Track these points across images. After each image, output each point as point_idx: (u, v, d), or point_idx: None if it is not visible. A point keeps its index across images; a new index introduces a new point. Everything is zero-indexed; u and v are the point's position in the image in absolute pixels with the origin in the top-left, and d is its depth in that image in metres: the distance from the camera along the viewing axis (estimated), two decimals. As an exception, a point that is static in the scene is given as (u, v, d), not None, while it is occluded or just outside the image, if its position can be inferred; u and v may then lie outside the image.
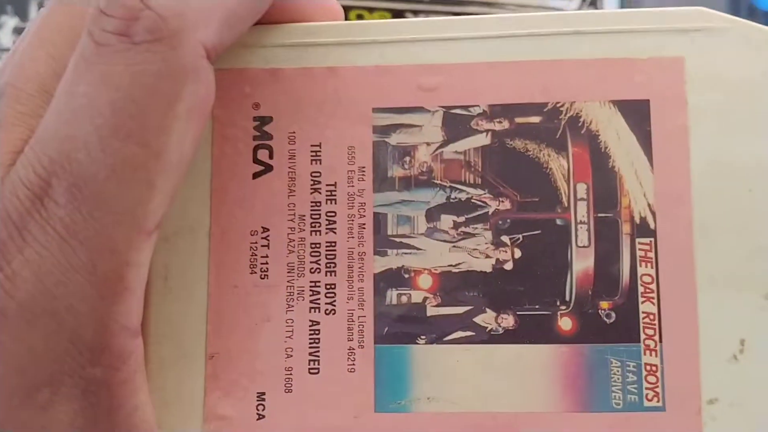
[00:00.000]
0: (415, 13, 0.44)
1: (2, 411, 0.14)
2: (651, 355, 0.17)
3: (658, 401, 0.17)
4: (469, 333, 0.17)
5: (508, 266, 0.17)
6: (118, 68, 0.14)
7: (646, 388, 0.17)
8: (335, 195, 0.17)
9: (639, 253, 0.17)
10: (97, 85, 0.14)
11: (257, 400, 0.17)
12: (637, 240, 0.17)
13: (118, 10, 0.14)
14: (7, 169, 0.15)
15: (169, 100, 0.14)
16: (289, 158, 0.18)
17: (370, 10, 0.43)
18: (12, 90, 0.16)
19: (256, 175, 0.18)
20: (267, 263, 0.17)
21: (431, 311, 0.17)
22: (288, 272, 0.17)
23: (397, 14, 0.44)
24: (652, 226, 0.17)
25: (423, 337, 0.17)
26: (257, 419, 0.17)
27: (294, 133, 0.18)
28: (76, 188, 0.14)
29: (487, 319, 0.17)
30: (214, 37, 0.15)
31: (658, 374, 0.17)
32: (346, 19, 0.19)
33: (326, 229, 0.17)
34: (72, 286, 0.14)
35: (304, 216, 0.17)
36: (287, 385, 0.17)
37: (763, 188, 0.17)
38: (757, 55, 0.17)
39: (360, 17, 0.43)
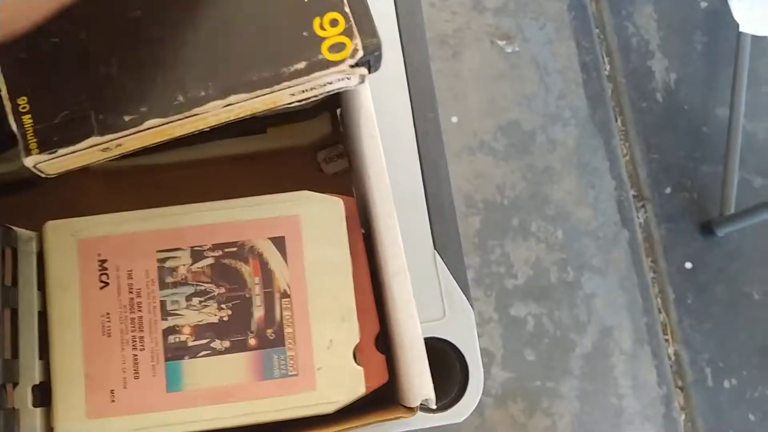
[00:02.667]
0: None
1: None
2: (290, 352, 0.37)
3: (294, 371, 0.37)
4: (209, 351, 0.37)
5: (226, 320, 0.37)
6: None
7: (290, 366, 0.37)
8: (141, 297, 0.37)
9: (285, 304, 0.38)
10: None
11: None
12: (283, 300, 0.38)
13: None
14: None
15: None
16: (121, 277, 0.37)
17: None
18: None
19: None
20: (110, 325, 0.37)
21: (191, 342, 0.37)
22: (127, 330, 0.37)
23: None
24: (288, 291, 0.38)
25: (188, 357, 0.37)
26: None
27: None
28: None
29: (219, 344, 0.37)
30: None
31: (295, 359, 0.37)
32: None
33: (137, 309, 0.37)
34: None
35: (126, 305, 0.37)
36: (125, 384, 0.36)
37: (340, 280, 0.38)
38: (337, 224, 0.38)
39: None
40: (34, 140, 0.31)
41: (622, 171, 1.21)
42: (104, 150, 0.33)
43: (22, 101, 0.31)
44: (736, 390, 1.18)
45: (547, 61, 1.23)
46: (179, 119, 0.32)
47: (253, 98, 0.32)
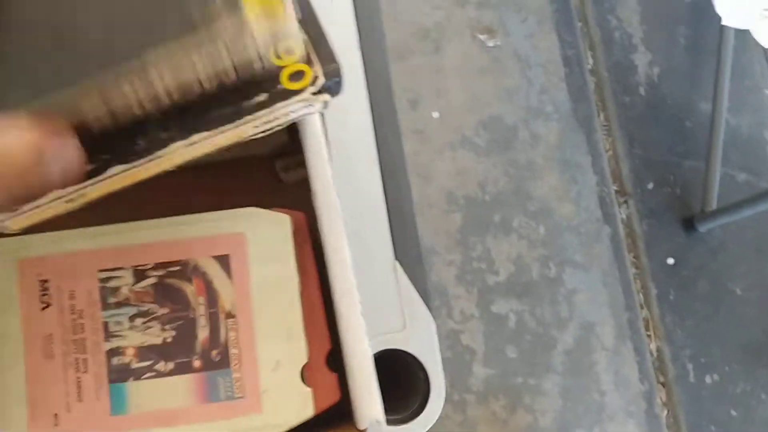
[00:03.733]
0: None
1: None
2: (236, 374, 0.37)
3: (240, 394, 0.36)
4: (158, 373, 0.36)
5: (170, 341, 0.37)
6: None
7: (235, 388, 0.36)
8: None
9: (230, 325, 0.37)
10: None
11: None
12: (228, 320, 0.37)
13: None
14: None
15: None
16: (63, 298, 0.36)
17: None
18: None
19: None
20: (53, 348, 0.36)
21: (135, 365, 0.36)
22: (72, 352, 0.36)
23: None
24: (233, 311, 0.37)
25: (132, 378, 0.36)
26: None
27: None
28: None
29: (163, 366, 0.36)
30: None
31: (241, 381, 0.36)
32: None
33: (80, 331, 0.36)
34: None
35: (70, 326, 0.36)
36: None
37: (287, 299, 0.37)
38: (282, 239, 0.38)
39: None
40: None
41: (604, 166, 1.20)
42: (68, 202, 0.31)
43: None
44: (719, 386, 1.17)
45: (529, 54, 1.22)
46: (143, 163, 0.31)
47: (216, 135, 0.31)
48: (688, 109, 1.23)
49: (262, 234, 0.38)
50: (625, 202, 1.21)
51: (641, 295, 1.19)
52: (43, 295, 0.37)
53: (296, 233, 0.39)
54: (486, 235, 1.15)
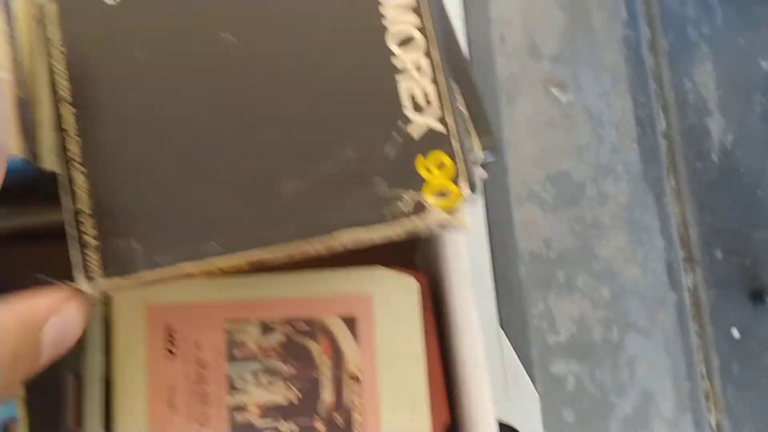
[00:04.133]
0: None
1: None
2: None
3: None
4: None
5: (293, 401, 0.36)
6: None
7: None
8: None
9: (355, 389, 0.36)
10: None
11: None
12: (353, 383, 0.36)
13: None
14: None
15: None
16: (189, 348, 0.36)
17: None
18: None
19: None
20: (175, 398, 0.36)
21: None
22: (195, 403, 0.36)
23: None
24: (358, 375, 0.36)
25: None
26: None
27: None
28: None
29: (285, 426, 0.36)
30: None
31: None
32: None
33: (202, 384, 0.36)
34: None
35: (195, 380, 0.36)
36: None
37: (412, 367, 0.36)
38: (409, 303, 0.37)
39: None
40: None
41: (673, 231, 1.18)
42: (190, 273, 0.30)
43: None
44: (780, 466, 1.13)
45: (602, 112, 1.21)
46: (280, 251, 0.30)
47: (352, 237, 0.30)
48: (760, 178, 1.21)
49: (389, 296, 0.37)
50: (692, 269, 1.18)
51: (704, 365, 1.15)
52: (170, 343, 0.37)
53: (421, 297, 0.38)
54: (548, 292, 1.13)
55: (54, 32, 0.29)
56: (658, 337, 1.14)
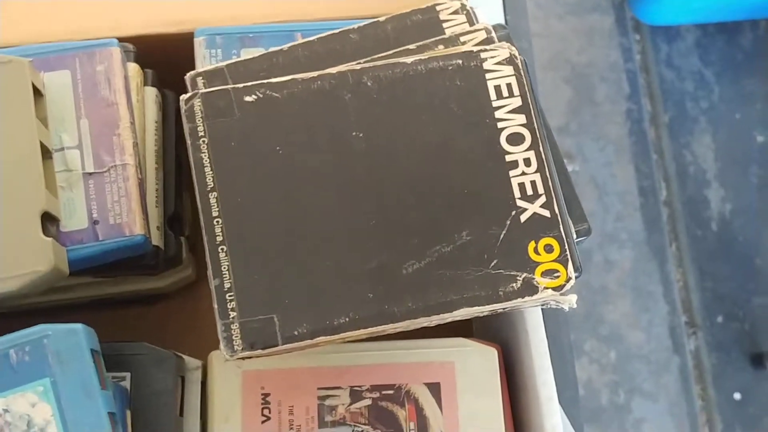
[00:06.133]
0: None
1: None
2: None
3: None
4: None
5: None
6: None
7: None
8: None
9: (437, 453, 0.38)
10: None
11: None
12: (436, 447, 0.39)
13: None
14: None
15: None
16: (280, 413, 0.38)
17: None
18: None
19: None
20: None
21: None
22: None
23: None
24: (442, 441, 0.39)
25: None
26: None
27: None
28: None
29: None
30: None
31: None
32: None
33: None
34: None
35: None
36: None
37: (490, 428, 0.39)
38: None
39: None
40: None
41: (675, 297, 1.22)
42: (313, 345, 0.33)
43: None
44: None
45: (607, 182, 1.26)
46: (375, 330, 0.32)
47: (468, 313, 0.32)
48: (758, 247, 1.26)
49: (471, 365, 0.40)
50: (694, 333, 1.22)
51: (707, 428, 1.18)
52: (264, 407, 0.39)
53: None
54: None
55: (200, 126, 0.32)
56: (663, 400, 1.17)
